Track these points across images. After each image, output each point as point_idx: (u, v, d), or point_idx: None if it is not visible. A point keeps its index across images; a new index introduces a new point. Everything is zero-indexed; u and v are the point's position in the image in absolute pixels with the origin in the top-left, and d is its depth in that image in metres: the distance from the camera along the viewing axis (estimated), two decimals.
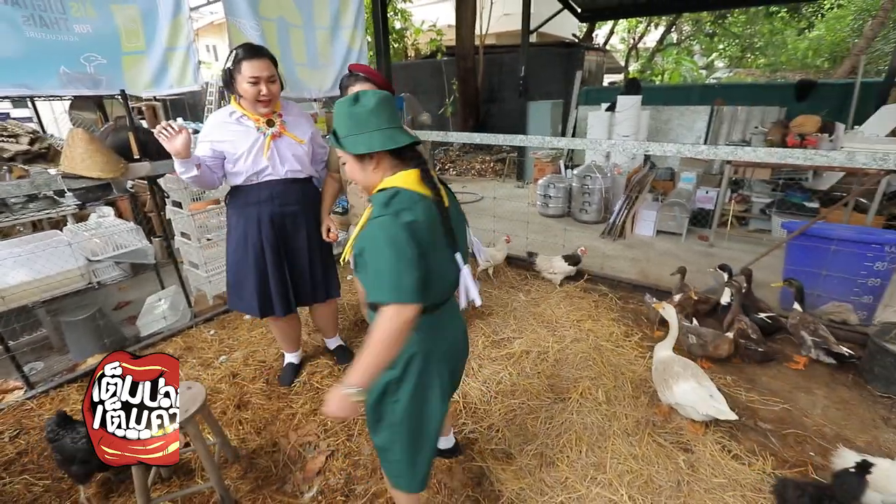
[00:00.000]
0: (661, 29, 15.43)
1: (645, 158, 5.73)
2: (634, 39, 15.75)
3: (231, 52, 1.85)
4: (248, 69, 1.79)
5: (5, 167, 3.00)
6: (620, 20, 14.05)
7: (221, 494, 1.69)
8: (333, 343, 2.59)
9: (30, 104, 6.53)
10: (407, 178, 1.14)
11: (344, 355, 2.55)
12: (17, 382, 2.39)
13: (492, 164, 8.83)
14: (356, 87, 1.93)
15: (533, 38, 7.56)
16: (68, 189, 2.43)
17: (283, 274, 2.07)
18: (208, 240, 3.17)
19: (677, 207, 4.68)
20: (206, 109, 7.04)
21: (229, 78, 1.83)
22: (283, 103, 2.02)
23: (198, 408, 1.60)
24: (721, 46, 16.89)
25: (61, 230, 3.06)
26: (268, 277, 2.05)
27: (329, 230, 2.17)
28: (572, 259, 3.33)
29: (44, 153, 3.78)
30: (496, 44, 11.13)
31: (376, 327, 1.06)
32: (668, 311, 2.11)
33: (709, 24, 15.37)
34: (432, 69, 10.74)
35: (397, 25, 11.38)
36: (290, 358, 2.47)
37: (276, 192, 1.98)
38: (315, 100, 3.79)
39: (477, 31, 9.29)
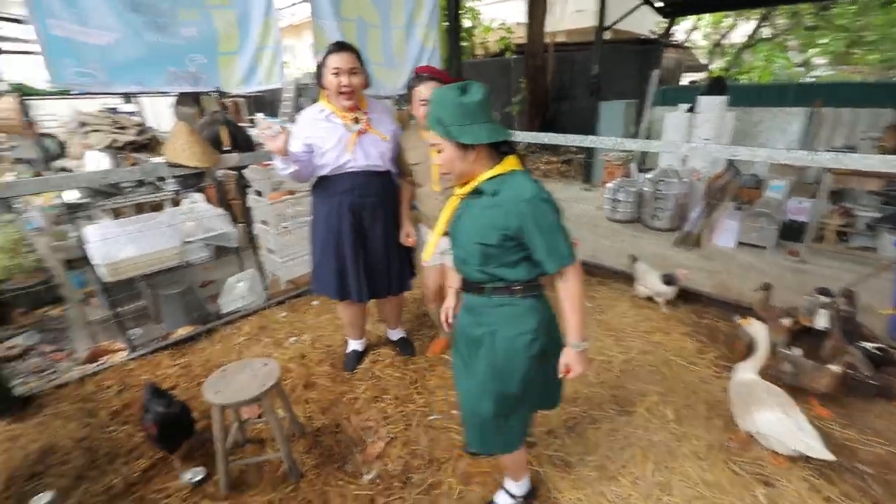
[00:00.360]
0: (751, 23, 14.06)
1: (728, 163, 5.29)
2: (720, 35, 14.52)
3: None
4: (332, 61, 1.92)
5: (120, 155, 3.40)
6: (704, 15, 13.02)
7: (289, 465, 1.80)
8: (396, 335, 2.66)
9: (135, 99, 7.32)
10: (516, 163, 1.26)
11: (406, 347, 2.61)
12: (121, 345, 2.71)
13: (558, 165, 8.59)
14: (421, 87, 1.98)
15: (606, 35, 7.21)
16: (172, 176, 2.70)
17: (359, 262, 2.17)
18: (285, 228, 3.38)
19: (764, 218, 4.27)
20: (282, 105, 7.52)
21: (319, 72, 1.97)
22: (368, 101, 2.12)
23: (273, 383, 1.71)
24: (823, 41, 15.05)
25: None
26: (346, 263, 2.16)
27: (408, 235, 2.23)
28: (668, 279, 2.97)
29: (146, 143, 4.25)
30: (567, 41, 10.79)
31: (574, 287, 1.25)
32: (757, 329, 1.93)
33: (809, 16, 13.78)
34: (500, 67, 10.65)
35: (466, 24, 11.40)
36: (355, 345, 2.57)
37: (356, 183, 2.08)
38: (389, 98, 3.90)
39: (548, 28, 9.05)
